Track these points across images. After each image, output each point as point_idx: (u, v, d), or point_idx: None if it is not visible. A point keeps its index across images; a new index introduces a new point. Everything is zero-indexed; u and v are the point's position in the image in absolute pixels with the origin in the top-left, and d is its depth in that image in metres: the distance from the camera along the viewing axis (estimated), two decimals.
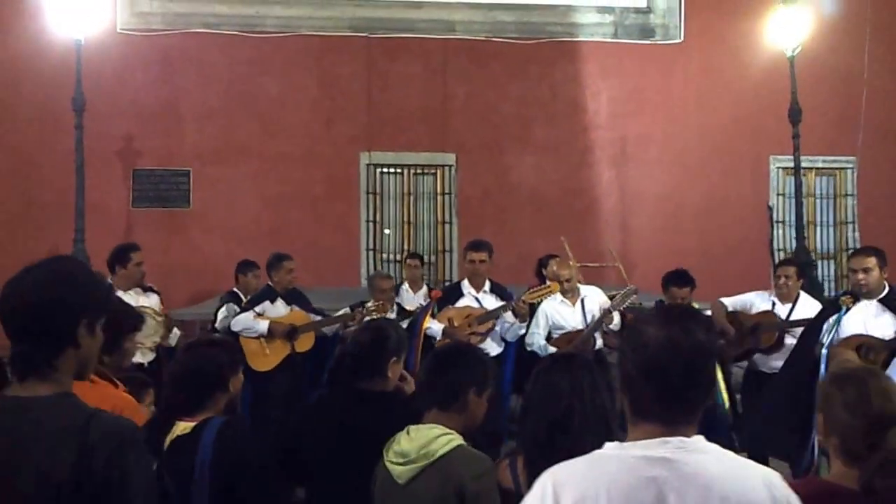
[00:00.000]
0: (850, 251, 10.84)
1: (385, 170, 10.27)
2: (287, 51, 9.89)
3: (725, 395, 5.39)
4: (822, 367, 4.47)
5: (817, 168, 10.94)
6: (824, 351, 4.52)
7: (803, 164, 10.47)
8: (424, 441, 2.38)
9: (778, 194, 10.74)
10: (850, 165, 10.92)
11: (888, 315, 4.43)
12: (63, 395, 1.64)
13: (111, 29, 9.12)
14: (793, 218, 10.52)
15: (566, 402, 2.32)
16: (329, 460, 2.74)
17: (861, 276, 4.50)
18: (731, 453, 1.59)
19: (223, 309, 6.39)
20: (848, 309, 4.53)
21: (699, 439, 1.55)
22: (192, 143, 9.79)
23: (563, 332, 5.78)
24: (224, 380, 2.81)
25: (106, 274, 5.46)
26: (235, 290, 6.60)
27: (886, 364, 4.24)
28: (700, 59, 10.44)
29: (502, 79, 10.24)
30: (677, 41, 10.48)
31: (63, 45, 8.49)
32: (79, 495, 1.53)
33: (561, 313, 5.84)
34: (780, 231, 10.66)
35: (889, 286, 4.59)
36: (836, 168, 11.00)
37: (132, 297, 5.41)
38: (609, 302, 5.76)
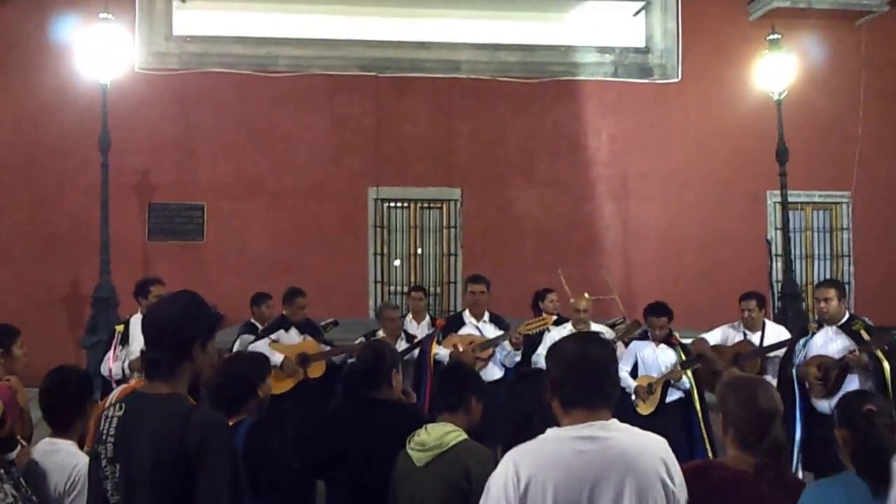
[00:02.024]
0: (847, 283, 11.50)
1: (392, 204, 10.92)
2: (298, 90, 10.60)
3: (703, 425, 5.92)
4: (796, 384, 5.09)
5: (814, 202, 11.57)
6: (794, 371, 5.15)
7: (800, 199, 11.22)
8: (439, 435, 3.07)
9: (776, 228, 11.29)
10: (846, 200, 11.53)
11: (843, 338, 5.13)
12: (175, 395, 2.31)
13: (129, 69, 9.76)
14: (792, 251, 11.16)
15: (528, 407, 2.97)
16: (347, 456, 3.34)
17: (822, 304, 5.20)
18: (635, 428, 2.26)
19: (238, 340, 6.96)
20: (813, 334, 5.21)
21: (614, 421, 2.21)
22: (207, 178, 10.46)
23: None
24: (254, 387, 3.45)
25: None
26: (252, 321, 7.16)
27: (841, 379, 4.86)
28: (697, 98, 11.12)
29: (506, 116, 10.92)
30: (675, 80, 11.18)
31: (85, 86, 9.22)
32: (180, 463, 2.18)
33: None
34: (779, 264, 11.18)
35: (850, 314, 5.24)
36: (832, 202, 11.62)
37: None
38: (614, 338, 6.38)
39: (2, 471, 2.84)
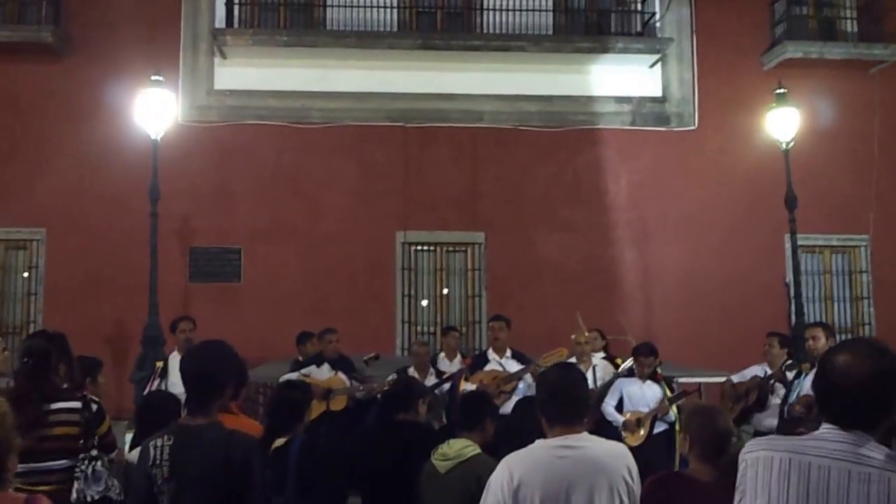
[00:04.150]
0: (867, 325, 12.16)
1: (419, 247, 11.83)
2: (330, 140, 11.63)
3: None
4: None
5: (832, 246, 12.26)
6: (786, 409, 5.94)
7: (818, 243, 11.95)
8: (458, 448, 3.94)
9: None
10: (864, 243, 12.22)
11: None
12: (214, 423, 3.06)
13: (173, 121, 10.73)
14: (810, 294, 11.91)
15: (529, 426, 3.81)
16: (379, 467, 4.21)
17: (810, 342, 5.96)
18: (603, 439, 3.00)
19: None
20: (806, 374, 5.97)
21: (585, 434, 2.98)
22: (244, 223, 11.46)
23: None
24: (301, 411, 4.34)
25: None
26: (299, 358, 8.11)
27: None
28: (714, 145, 11.94)
29: (528, 163, 11.82)
30: (692, 128, 12.05)
31: (132, 138, 10.36)
32: (225, 478, 2.90)
33: None
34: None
35: None
36: (851, 246, 12.30)
37: None
38: (615, 373, 7.28)
39: (107, 464, 3.75)
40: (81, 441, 3.72)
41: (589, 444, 2.94)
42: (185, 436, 3.00)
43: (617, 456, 2.94)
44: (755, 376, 6.95)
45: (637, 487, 2.95)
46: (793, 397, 6.07)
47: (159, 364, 7.16)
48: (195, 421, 3.04)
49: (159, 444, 2.99)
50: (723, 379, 8.08)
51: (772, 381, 6.75)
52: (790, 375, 6.64)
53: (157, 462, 2.96)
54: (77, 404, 3.74)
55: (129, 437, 4.87)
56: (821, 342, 5.98)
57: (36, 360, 3.70)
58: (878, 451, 2.00)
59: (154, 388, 6.99)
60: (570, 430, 2.94)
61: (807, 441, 2.10)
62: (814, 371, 5.83)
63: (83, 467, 3.65)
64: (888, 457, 1.99)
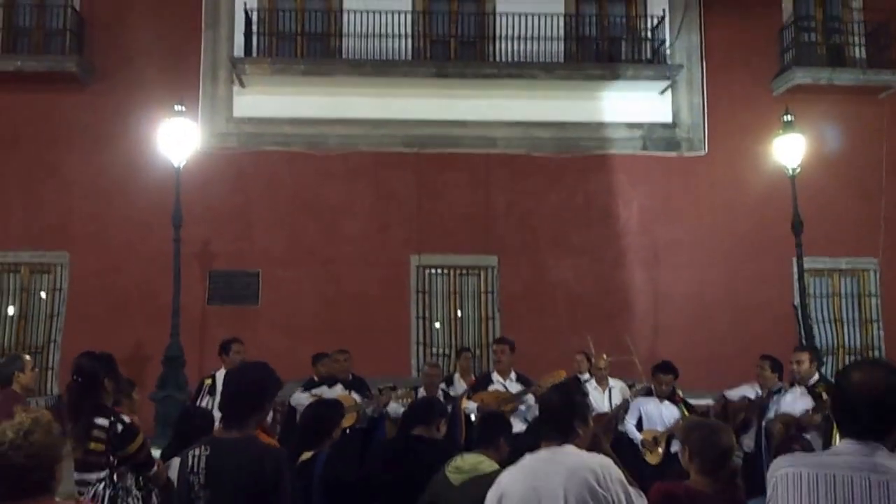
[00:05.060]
0: (877, 349, 12.37)
1: (433, 271, 12.17)
2: (346, 165, 12.02)
3: None
4: (763, 437, 6.12)
5: (841, 269, 12.50)
6: (763, 423, 6.20)
7: (826, 266, 12.19)
8: (473, 462, 4.20)
9: None
10: (873, 266, 12.45)
11: (807, 399, 6.20)
12: (249, 437, 3.38)
13: (193, 148, 11.14)
14: (819, 316, 12.15)
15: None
16: (395, 482, 4.50)
17: (794, 366, 6.27)
18: (580, 451, 3.23)
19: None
20: (786, 391, 6.25)
21: (567, 446, 3.23)
22: (262, 247, 11.83)
23: (592, 412, 7.47)
24: (329, 428, 4.63)
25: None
26: (314, 378, 8.42)
27: (799, 435, 5.87)
28: (724, 170, 12.24)
29: (540, 188, 12.16)
30: (702, 153, 12.36)
31: (154, 164, 10.76)
32: (256, 488, 3.17)
33: (593, 397, 7.62)
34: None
35: (820, 375, 6.30)
36: (860, 269, 12.54)
37: None
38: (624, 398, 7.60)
39: (132, 485, 4.02)
40: (104, 458, 3.93)
41: (563, 455, 3.19)
42: (221, 447, 3.28)
43: (586, 466, 3.16)
44: (744, 397, 7.19)
45: (618, 496, 3.13)
46: (770, 413, 6.31)
47: (208, 381, 7.44)
48: (230, 434, 3.31)
49: (197, 453, 3.27)
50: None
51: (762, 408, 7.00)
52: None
53: (195, 469, 3.24)
54: (105, 422, 3.98)
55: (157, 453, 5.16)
56: (804, 366, 6.28)
57: (85, 378, 4.02)
58: (893, 460, 2.27)
59: (202, 404, 7.28)
60: (555, 443, 3.24)
61: (828, 456, 2.40)
62: (793, 389, 6.20)
63: (82, 489, 3.84)
64: None
